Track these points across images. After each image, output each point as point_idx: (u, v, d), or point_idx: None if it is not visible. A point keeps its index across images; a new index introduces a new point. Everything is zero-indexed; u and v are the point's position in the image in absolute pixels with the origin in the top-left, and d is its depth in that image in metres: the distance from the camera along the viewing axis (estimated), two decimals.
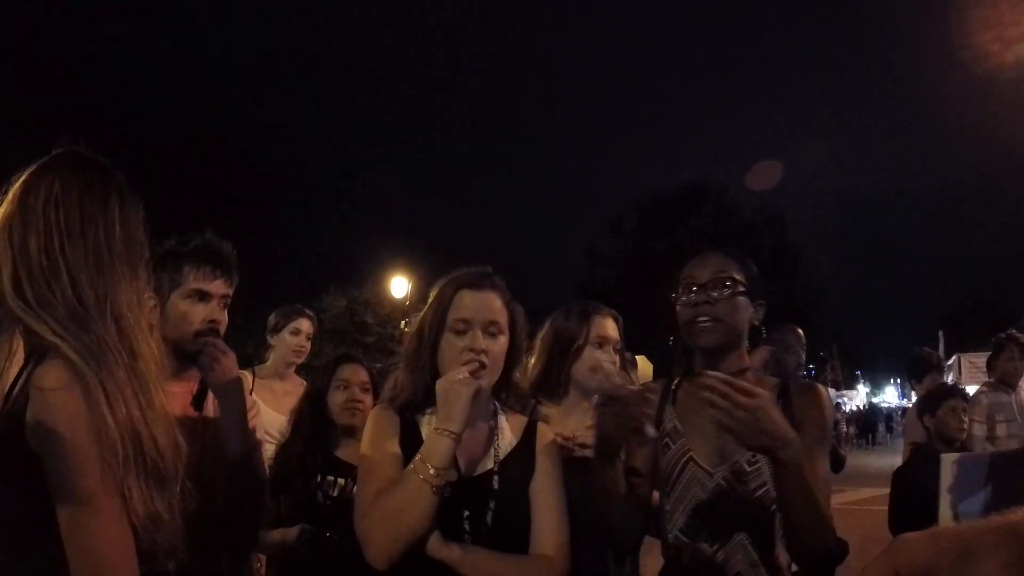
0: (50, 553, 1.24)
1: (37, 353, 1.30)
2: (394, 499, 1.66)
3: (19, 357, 1.33)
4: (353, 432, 2.79)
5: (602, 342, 2.41)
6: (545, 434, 1.96)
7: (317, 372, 3.08)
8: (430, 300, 1.91)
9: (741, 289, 1.92)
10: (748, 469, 1.87)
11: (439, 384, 1.75)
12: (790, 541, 1.81)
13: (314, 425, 2.87)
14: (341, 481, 2.74)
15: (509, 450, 1.87)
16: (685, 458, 1.93)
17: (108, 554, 1.25)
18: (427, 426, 1.83)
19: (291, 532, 2.65)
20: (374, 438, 1.83)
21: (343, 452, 2.83)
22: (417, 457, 1.69)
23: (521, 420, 1.96)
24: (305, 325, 4.11)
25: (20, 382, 1.29)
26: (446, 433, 1.69)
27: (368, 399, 2.86)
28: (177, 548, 1.35)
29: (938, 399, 4.36)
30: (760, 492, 1.85)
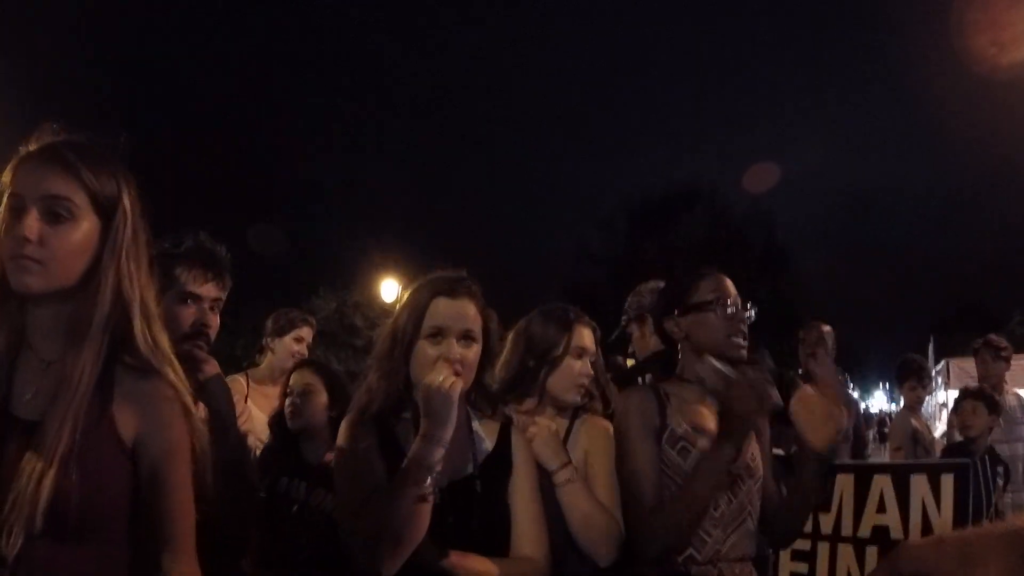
0: None
1: None
2: (393, 510, 1.64)
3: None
4: (310, 435, 2.95)
5: (581, 353, 2.32)
6: (519, 436, 1.99)
7: (286, 376, 3.20)
8: (403, 303, 1.92)
9: (752, 317, 2.22)
10: (752, 465, 2.14)
11: (424, 389, 1.73)
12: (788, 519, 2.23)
13: (282, 428, 3.00)
14: (304, 484, 2.83)
15: (487, 454, 1.88)
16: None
17: None
18: (404, 432, 1.84)
19: None
20: (350, 447, 1.83)
21: (307, 454, 2.95)
22: (409, 465, 1.68)
23: (494, 424, 1.97)
24: (307, 333, 4.14)
25: None
26: (435, 439, 1.68)
27: (310, 401, 2.96)
28: None
29: (958, 400, 4.47)
30: (758, 484, 2.15)
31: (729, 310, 2.15)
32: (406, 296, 1.93)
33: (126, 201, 1.46)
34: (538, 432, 2.14)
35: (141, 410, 1.42)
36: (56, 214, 1.39)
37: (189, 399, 1.49)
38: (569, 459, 2.14)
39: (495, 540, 1.81)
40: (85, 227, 1.41)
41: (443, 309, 1.85)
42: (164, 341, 1.50)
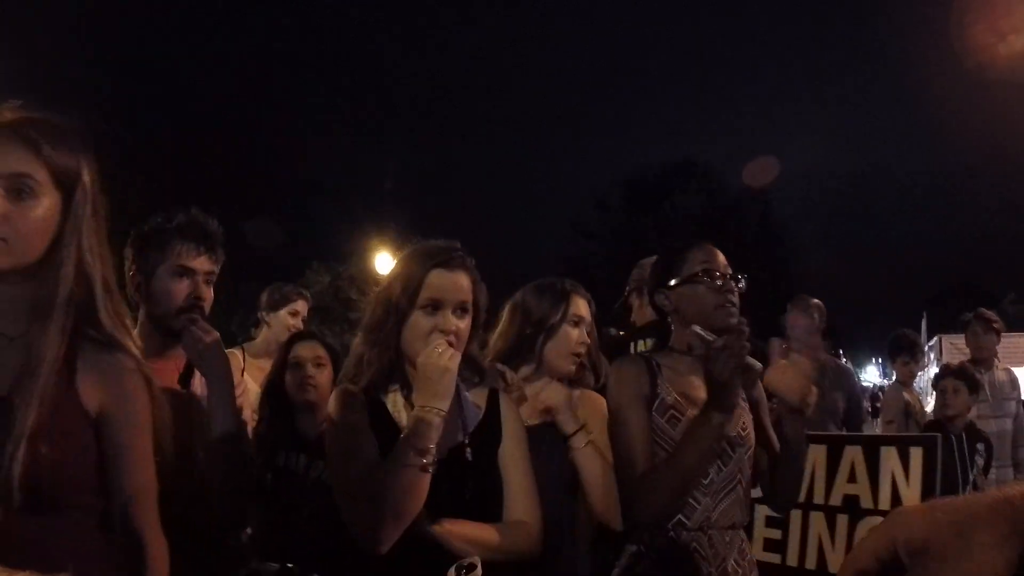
0: None
1: None
2: (392, 483, 1.66)
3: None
4: (311, 408, 2.90)
5: (577, 321, 2.39)
6: (507, 402, 2.01)
7: (278, 350, 3.16)
8: (396, 273, 1.90)
9: (742, 286, 2.21)
10: (743, 434, 2.17)
11: (422, 361, 1.74)
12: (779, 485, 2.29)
13: (276, 403, 2.95)
14: (303, 457, 2.82)
15: (476, 422, 1.89)
16: None
17: None
18: (394, 404, 1.85)
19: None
20: (343, 420, 1.82)
21: (305, 426, 2.92)
22: (407, 438, 1.69)
23: (482, 392, 1.98)
24: (302, 307, 4.17)
25: None
26: (434, 411, 1.70)
27: (322, 374, 2.95)
28: None
29: (938, 377, 4.49)
30: (748, 452, 2.19)
31: (717, 281, 2.16)
32: (399, 266, 1.91)
33: (86, 177, 1.47)
34: (555, 397, 2.24)
35: (105, 382, 1.45)
36: (18, 191, 1.39)
37: (149, 371, 1.52)
38: (583, 423, 2.23)
39: (488, 507, 1.83)
40: (47, 203, 1.42)
41: (439, 280, 1.84)
42: (125, 314, 1.53)
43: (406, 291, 1.84)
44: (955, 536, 0.73)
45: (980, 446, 4.37)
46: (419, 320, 1.83)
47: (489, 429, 1.91)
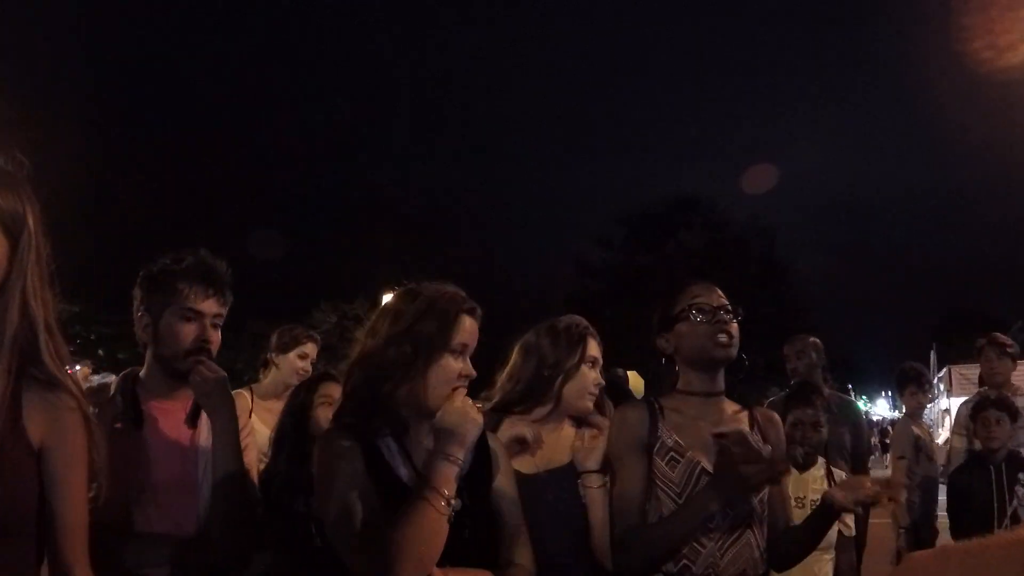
0: None
1: None
2: (416, 532, 1.65)
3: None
4: None
5: (593, 362, 2.43)
6: (496, 441, 2.02)
7: (298, 389, 3.08)
8: (422, 312, 1.83)
9: (739, 318, 2.19)
10: None
11: (454, 409, 1.76)
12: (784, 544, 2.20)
13: (297, 442, 2.84)
14: None
15: (468, 466, 1.87)
16: (697, 470, 2.08)
17: None
18: (388, 449, 1.82)
19: None
20: (340, 468, 1.75)
21: None
22: (428, 486, 1.68)
23: None
24: (311, 349, 4.14)
25: None
26: (453, 459, 1.72)
27: None
28: None
29: (977, 408, 4.43)
30: (760, 496, 2.11)
31: (706, 315, 2.15)
32: (423, 305, 1.85)
33: (30, 221, 1.50)
34: (594, 440, 2.31)
35: (47, 419, 1.50)
36: None
37: (89, 410, 1.57)
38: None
39: (485, 549, 1.82)
40: None
41: (468, 327, 1.86)
42: (65, 355, 1.57)
43: (442, 332, 1.82)
44: None
45: (1022, 475, 4.26)
46: (449, 363, 1.82)
47: (481, 471, 1.91)
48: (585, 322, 2.51)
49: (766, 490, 2.13)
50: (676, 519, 2.03)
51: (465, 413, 1.76)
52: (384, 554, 1.63)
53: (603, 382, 2.47)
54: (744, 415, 2.24)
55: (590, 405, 2.43)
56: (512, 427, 2.35)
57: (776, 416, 2.36)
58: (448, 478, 1.70)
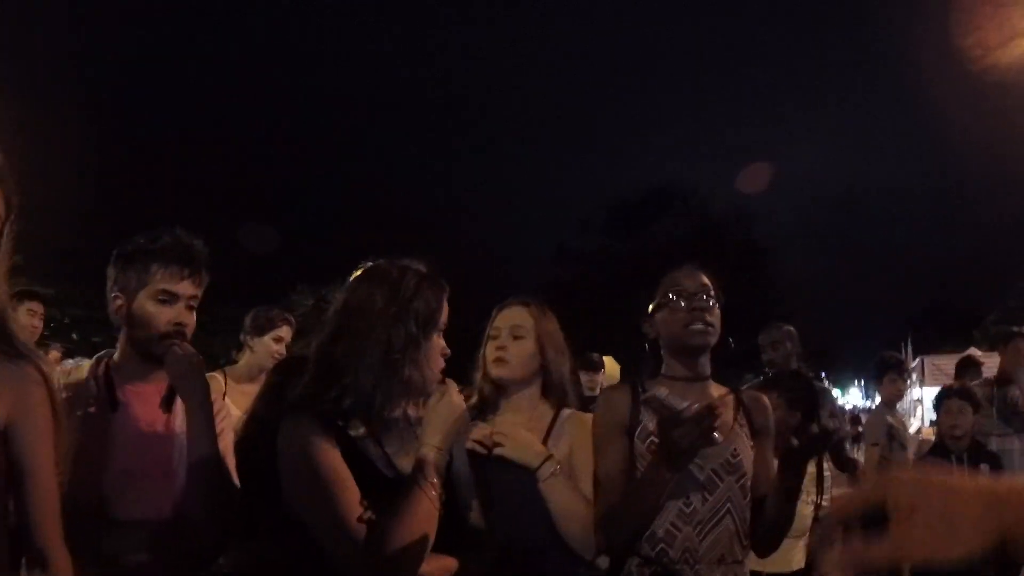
0: None
1: None
2: (415, 522, 1.66)
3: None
4: None
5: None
6: None
7: (278, 366, 3.06)
8: (410, 291, 1.79)
9: (721, 302, 2.18)
10: (733, 461, 2.10)
11: (445, 401, 1.77)
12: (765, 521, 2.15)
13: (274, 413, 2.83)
14: None
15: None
16: None
17: None
18: (360, 439, 1.80)
19: None
20: (328, 460, 1.70)
21: None
22: (420, 476, 1.70)
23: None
24: (286, 332, 4.12)
25: None
26: (441, 450, 1.75)
27: None
28: None
29: (940, 398, 4.50)
30: (742, 481, 2.10)
31: (682, 302, 2.14)
32: (411, 284, 1.80)
33: (1, 209, 1.52)
34: (506, 440, 2.11)
35: (12, 392, 1.50)
36: None
37: (56, 386, 1.58)
38: (549, 453, 2.12)
39: (450, 530, 1.83)
40: None
41: (445, 307, 1.87)
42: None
43: (432, 313, 1.81)
44: (942, 509, 0.81)
45: (984, 466, 4.34)
46: (438, 344, 1.84)
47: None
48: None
49: (748, 473, 2.10)
50: (633, 494, 2.03)
51: (456, 406, 1.78)
52: (385, 545, 1.63)
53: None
54: (731, 398, 2.22)
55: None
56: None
57: (765, 399, 2.31)
58: (440, 469, 1.73)
